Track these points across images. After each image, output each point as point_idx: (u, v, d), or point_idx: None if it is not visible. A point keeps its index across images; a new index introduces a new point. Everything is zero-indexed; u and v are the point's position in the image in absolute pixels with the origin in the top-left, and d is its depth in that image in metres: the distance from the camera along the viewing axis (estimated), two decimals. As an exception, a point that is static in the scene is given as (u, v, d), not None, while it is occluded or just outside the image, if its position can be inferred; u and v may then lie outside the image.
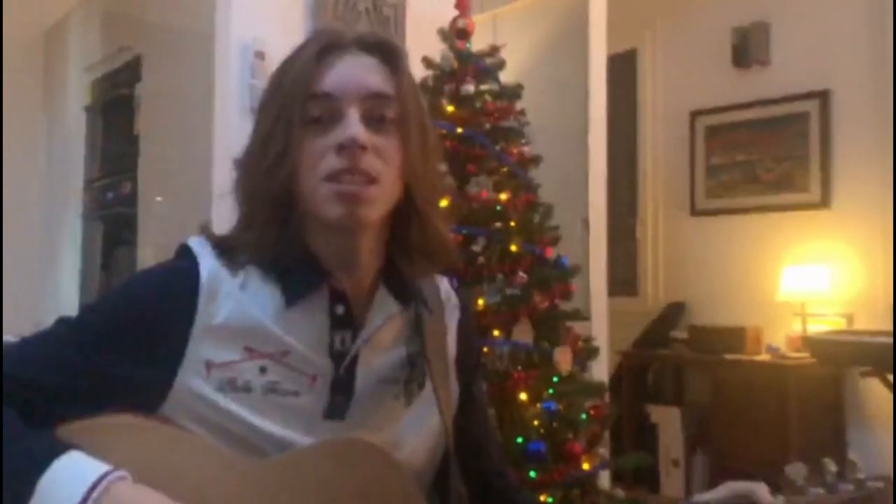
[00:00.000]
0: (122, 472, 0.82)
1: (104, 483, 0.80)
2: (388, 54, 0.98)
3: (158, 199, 3.22)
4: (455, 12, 2.70)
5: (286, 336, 0.94)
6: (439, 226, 1.01)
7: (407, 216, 1.00)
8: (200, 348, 0.92)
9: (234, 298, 0.94)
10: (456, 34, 2.67)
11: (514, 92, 2.71)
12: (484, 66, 2.69)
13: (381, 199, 0.94)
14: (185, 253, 0.97)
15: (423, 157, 0.98)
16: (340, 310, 0.97)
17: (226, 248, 0.97)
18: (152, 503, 0.80)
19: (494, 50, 2.73)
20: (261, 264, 0.96)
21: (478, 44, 2.75)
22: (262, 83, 2.71)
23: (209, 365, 0.92)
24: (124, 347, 0.91)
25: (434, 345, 1.03)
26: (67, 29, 4.10)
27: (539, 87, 3.31)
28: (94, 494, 0.79)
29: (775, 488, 0.94)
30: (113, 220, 3.64)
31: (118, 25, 3.64)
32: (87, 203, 3.84)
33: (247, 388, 0.92)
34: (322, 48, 0.96)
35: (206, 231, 0.99)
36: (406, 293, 1.02)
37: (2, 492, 0.82)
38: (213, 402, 0.92)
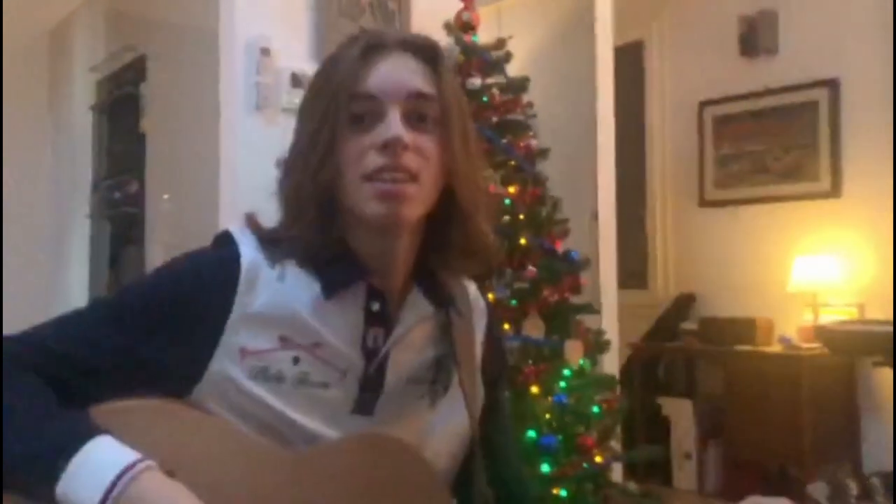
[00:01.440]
0: (150, 462, 0.83)
1: (132, 472, 0.81)
2: (430, 55, 0.99)
3: (166, 196, 3.22)
4: (460, 5, 2.70)
5: (321, 328, 0.95)
6: (482, 226, 1.01)
7: (447, 216, 1.00)
8: (236, 335, 0.93)
9: (272, 289, 0.95)
10: (461, 27, 2.67)
11: (520, 85, 2.71)
12: (490, 59, 2.68)
13: (420, 198, 0.95)
14: (227, 240, 0.98)
15: (466, 157, 0.99)
16: (376, 307, 0.98)
17: (267, 240, 0.98)
18: (175, 494, 0.82)
19: (500, 43, 2.73)
20: (299, 258, 0.97)
21: (483, 37, 2.75)
22: (267, 80, 2.72)
23: (243, 352, 0.93)
24: (162, 330, 0.93)
25: (463, 349, 1.04)
26: (72, 28, 4.11)
27: (546, 80, 3.31)
28: (123, 480, 0.80)
29: None
30: (120, 219, 3.65)
31: (122, 24, 3.65)
32: (95, 203, 3.86)
33: (279, 378, 0.94)
34: (366, 48, 0.96)
35: (250, 221, 1.00)
36: (438, 296, 1.03)
37: (31, 471, 0.84)
38: (244, 388, 0.93)
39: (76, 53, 4.07)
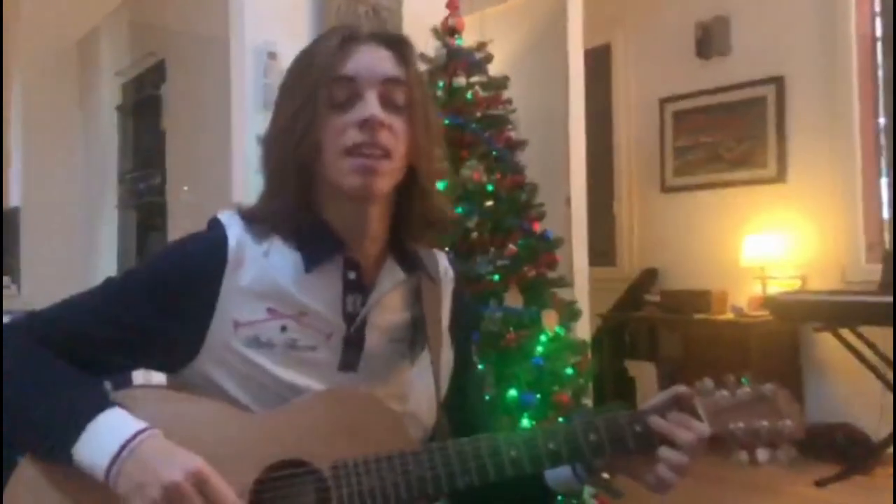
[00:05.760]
0: (155, 431, 0.84)
1: (141, 437, 0.82)
2: (400, 47, 0.99)
3: (185, 188, 3.19)
4: (446, 12, 2.67)
5: (304, 298, 0.95)
6: (439, 200, 1.02)
7: (411, 191, 1.00)
8: (228, 308, 0.93)
9: (258, 265, 0.95)
10: (447, 32, 2.64)
11: (501, 83, 2.69)
12: (473, 60, 2.66)
13: (391, 173, 0.95)
14: (216, 225, 0.98)
15: (428, 140, 0.99)
16: (352, 275, 0.98)
17: (252, 219, 0.98)
18: (177, 455, 0.82)
19: (482, 45, 2.70)
20: (283, 234, 0.97)
21: (468, 41, 2.72)
22: (274, 82, 2.69)
23: (236, 323, 0.93)
24: (163, 305, 0.92)
25: (431, 311, 1.04)
26: (98, 38, 4.06)
27: (524, 80, 3.28)
28: (132, 444, 0.82)
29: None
30: (145, 208, 3.62)
31: (143, 33, 3.60)
32: (122, 194, 3.83)
33: (269, 345, 0.93)
34: (343, 39, 0.96)
35: (238, 206, 1.00)
36: (410, 263, 1.03)
37: (50, 434, 0.84)
38: (241, 355, 0.93)
39: (103, 60, 4.02)
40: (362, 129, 0.92)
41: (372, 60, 0.96)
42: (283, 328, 0.94)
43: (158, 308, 0.92)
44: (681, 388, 1.01)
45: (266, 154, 0.99)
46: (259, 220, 0.97)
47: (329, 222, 0.98)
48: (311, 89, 0.94)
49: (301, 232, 0.96)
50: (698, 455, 0.95)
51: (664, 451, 0.95)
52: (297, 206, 0.96)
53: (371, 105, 0.93)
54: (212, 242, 0.95)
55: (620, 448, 0.96)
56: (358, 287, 0.98)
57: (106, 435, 0.82)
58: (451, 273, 1.11)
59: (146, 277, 0.96)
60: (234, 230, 0.96)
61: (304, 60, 0.98)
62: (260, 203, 1.00)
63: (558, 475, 1.03)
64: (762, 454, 0.98)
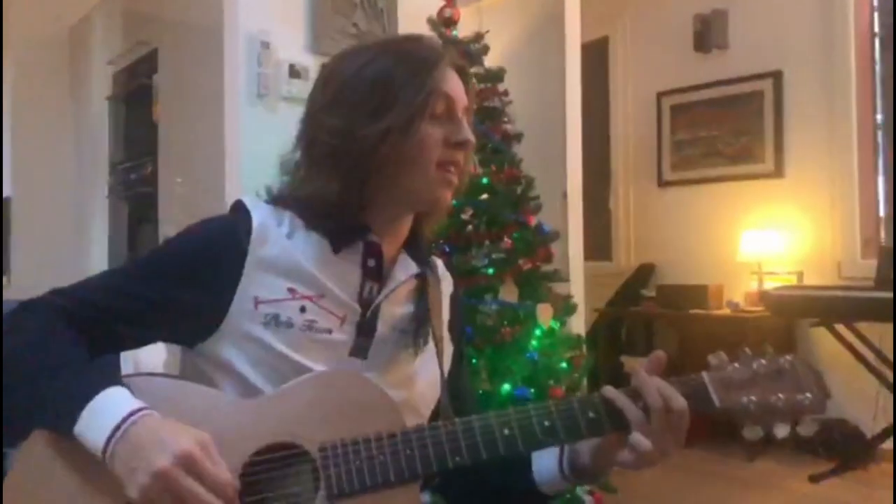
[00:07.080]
0: (150, 411, 0.86)
1: (133, 418, 0.84)
2: (467, 78, 1.04)
3: (178, 180, 3.18)
4: (442, 3, 2.67)
5: (324, 280, 0.98)
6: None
7: None
8: (251, 285, 0.96)
9: (281, 244, 0.98)
10: (443, 22, 2.64)
11: (497, 75, 2.68)
12: (469, 52, 2.65)
13: None
14: (239, 206, 1.02)
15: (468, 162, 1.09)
16: (372, 262, 1.01)
17: (279, 204, 1.01)
18: (170, 437, 0.83)
19: (479, 36, 2.70)
20: (305, 218, 1.00)
21: (464, 32, 2.72)
22: (267, 71, 2.68)
23: (257, 301, 0.96)
24: (186, 280, 0.96)
25: (436, 307, 1.08)
26: (90, 26, 4.04)
27: (520, 72, 3.27)
28: (125, 426, 0.83)
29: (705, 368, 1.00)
30: (137, 199, 3.61)
31: (136, 22, 3.58)
32: (113, 184, 3.81)
33: (289, 324, 0.96)
34: (438, 56, 0.99)
35: (268, 189, 1.04)
36: (421, 259, 1.08)
37: (55, 410, 0.87)
38: (257, 335, 0.95)
39: (95, 48, 4.00)
40: (455, 149, 0.98)
41: (459, 86, 1.01)
42: (303, 308, 0.97)
43: (182, 283, 0.95)
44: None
45: (327, 135, 0.97)
46: (285, 205, 1.01)
47: (363, 218, 1.01)
48: (415, 93, 0.95)
49: (326, 218, 0.99)
50: (671, 422, 0.97)
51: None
52: (345, 201, 0.97)
53: (467, 130, 0.99)
54: (237, 220, 0.99)
55: (619, 423, 0.97)
56: (376, 275, 1.02)
57: (102, 415, 0.84)
58: (448, 277, 1.15)
59: (171, 252, 1.00)
60: (259, 211, 1.00)
61: (401, 63, 0.97)
62: (296, 189, 1.01)
63: (545, 474, 1.05)
64: (780, 430, 0.95)
